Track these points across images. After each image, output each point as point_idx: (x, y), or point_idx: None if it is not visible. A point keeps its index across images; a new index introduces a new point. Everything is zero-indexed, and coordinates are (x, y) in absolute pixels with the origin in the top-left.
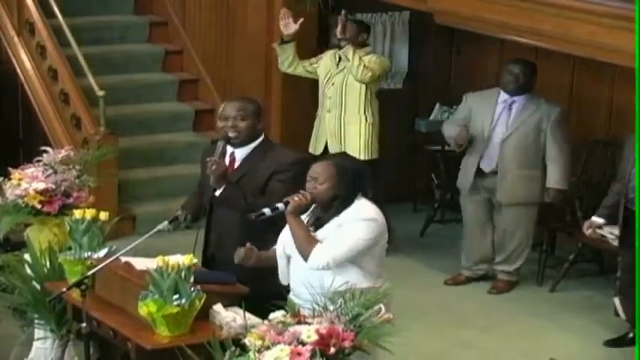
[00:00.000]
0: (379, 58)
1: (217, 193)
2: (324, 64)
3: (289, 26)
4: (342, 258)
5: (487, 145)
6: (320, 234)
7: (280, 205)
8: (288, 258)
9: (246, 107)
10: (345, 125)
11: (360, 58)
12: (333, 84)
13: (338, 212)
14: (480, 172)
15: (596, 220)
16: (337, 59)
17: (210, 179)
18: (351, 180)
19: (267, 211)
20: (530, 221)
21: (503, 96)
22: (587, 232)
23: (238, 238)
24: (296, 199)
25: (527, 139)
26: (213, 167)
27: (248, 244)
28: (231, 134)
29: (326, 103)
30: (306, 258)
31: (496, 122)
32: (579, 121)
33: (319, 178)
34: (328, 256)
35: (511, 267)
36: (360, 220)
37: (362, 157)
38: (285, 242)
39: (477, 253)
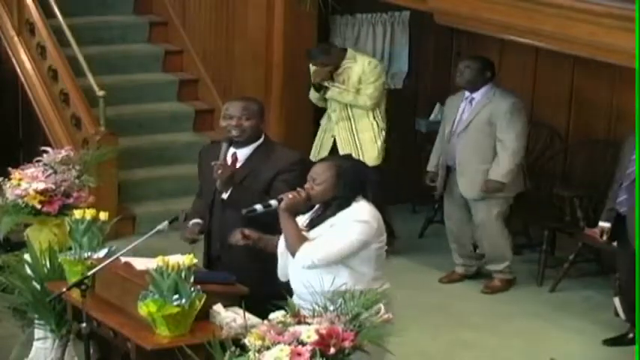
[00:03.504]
0: (375, 68)
1: (225, 196)
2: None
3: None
4: (328, 258)
5: (450, 141)
6: (312, 233)
7: (273, 202)
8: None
9: (250, 107)
10: (360, 135)
11: (349, 94)
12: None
13: (334, 213)
14: (449, 170)
15: (605, 225)
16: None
17: (217, 183)
18: (350, 182)
19: (259, 207)
20: (498, 216)
21: (467, 93)
22: (603, 239)
23: None
24: (290, 196)
25: (481, 133)
26: (220, 171)
27: (245, 231)
28: (234, 133)
29: (332, 117)
30: (293, 255)
31: (459, 119)
32: (579, 121)
33: (317, 179)
34: (314, 255)
35: (499, 266)
36: (352, 222)
37: (379, 162)
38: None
39: (461, 251)
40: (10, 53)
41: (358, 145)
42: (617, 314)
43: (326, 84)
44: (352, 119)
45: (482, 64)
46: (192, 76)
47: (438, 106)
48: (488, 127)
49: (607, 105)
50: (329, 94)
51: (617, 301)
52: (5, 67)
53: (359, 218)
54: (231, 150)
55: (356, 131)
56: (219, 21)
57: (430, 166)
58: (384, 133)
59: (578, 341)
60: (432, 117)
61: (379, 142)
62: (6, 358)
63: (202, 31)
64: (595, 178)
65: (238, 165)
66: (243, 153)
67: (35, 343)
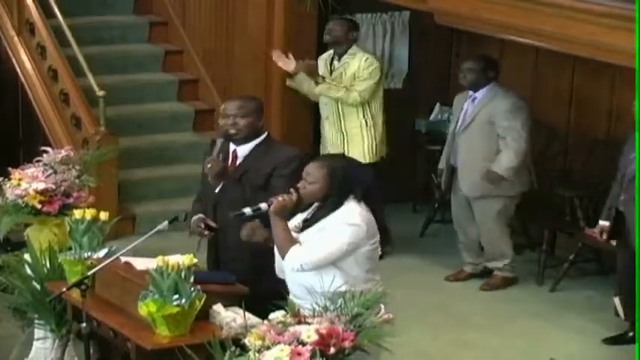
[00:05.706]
0: (370, 66)
1: (217, 190)
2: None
3: (289, 63)
4: (317, 261)
5: (454, 140)
6: (303, 236)
7: (263, 205)
8: None
9: (246, 105)
10: (347, 131)
11: (338, 90)
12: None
13: (327, 214)
14: (454, 169)
15: (605, 223)
16: (330, 63)
17: (209, 177)
18: (342, 182)
19: (247, 210)
20: (499, 214)
21: (470, 92)
22: (603, 238)
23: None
24: (280, 199)
25: (482, 132)
26: (209, 165)
27: (255, 223)
28: (231, 131)
29: (322, 111)
30: (283, 258)
31: (462, 118)
32: (579, 121)
33: (309, 178)
34: (302, 259)
35: (499, 263)
36: (341, 225)
37: (367, 161)
38: None
39: (468, 249)
40: (10, 53)
41: (346, 141)
42: (617, 314)
43: (317, 79)
44: (341, 115)
45: (485, 65)
46: (192, 76)
47: (438, 106)
48: (488, 127)
49: (607, 105)
50: (318, 89)
51: (616, 300)
52: (5, 67)
53: (349, 221)
54: (232, 147)
55: (345, 127)
56: (219, 21)
57: (440, 164)
58: (373, 130)
59: (579, 341)
60: (432, 117)
61: (367, 140)
62: (6, 358)
63: (202, 31)
64: (595, 178)
65: (238, 162)
66: (242, 150)
67: (35, 343)
